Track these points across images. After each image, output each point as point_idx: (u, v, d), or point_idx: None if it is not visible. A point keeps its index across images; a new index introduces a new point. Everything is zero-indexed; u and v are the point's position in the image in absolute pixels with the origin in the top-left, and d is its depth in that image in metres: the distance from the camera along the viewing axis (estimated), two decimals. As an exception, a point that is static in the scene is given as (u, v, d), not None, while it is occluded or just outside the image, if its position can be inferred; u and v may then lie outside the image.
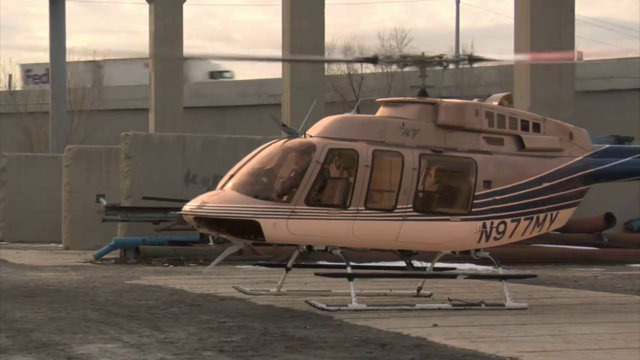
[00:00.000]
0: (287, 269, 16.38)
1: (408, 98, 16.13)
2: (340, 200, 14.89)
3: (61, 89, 54.63)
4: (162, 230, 25.28)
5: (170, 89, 41.88)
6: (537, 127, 16.27)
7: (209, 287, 17.81)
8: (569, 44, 33.80)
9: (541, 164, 16.08)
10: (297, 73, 36.31)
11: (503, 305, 15.45)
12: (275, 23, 39.88)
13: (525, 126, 16.10)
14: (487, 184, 15.54)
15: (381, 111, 15.93)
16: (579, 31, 35.72)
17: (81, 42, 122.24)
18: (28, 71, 67.53)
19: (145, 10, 45.90)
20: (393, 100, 16.28)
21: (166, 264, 24.04)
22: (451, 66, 16.14)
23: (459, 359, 9.93)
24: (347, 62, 14.68)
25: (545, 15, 32.72)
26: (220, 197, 14.71)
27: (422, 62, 16.06)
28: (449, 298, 16.34)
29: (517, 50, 33.95)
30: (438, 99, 15.92)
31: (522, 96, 32.18)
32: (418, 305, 15.63)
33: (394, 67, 16.22)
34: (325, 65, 41.50)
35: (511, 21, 35.06)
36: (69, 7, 58.53)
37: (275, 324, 12.64)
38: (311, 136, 15.04)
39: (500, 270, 15.90)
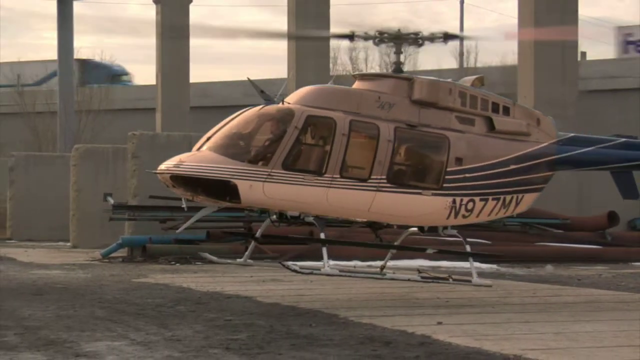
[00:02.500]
0: (256, 239, 16.36)
1: (384, 73, 16.18)
2: (317, 167, 14.87)
3: (69, 89, 54.73)
4: (168, 229, 25.29)
5: (177, 89, 41.97)
6: (507, 111, 16.33)
7: (215, 285, 17.83)
8: (572, 44, 33.80)
9: (509, 147, 16.13)
10: (303, 72, 36.33)
11: (470, 281, 15.79)
12: (281, 24, 39.87)
13: (495, 108, 16.18)
14: (459, 161, 15.58)
15: (357, 85, 15.95)
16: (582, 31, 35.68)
17: (88, 43, 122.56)
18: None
19: (152, 10, 45.95)
20: (369, 74, 16.38)
21: (173, 263, 24.05)
22: (427, 43, 16.17)
23: (463, 356, 9.92)
24: (324, 38, 14.67)
25: (548, 15, 32.70)
26: (198, 157, 14.62)
27: (399, 38, 16.06)
28: (418, 270, 16.48)
29: (521, 51, 33.94)
30: (413, 76, 16.01)
31: (526, 95, 32.14)
32: (388, 275, 15.91)
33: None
34: (330, 65, 41.47)
35: (515, 21, 35.05)
36: (75, 8, 58.61)
37: (280, 321, 12.64)
38: (289, 103, 15.07)
39: (468, 248, 16.16)
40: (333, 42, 40.70)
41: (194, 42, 43.75)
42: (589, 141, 17.20)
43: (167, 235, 25.45)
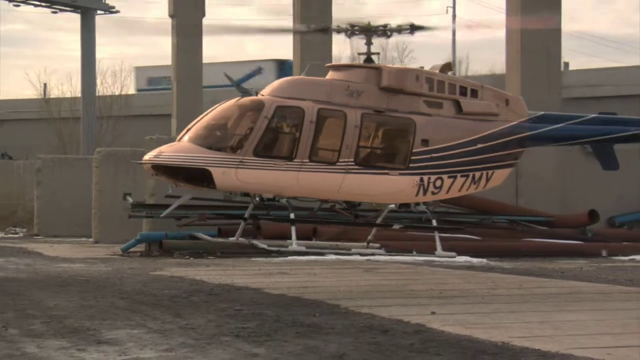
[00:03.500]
0: (244, 220, 16.34)
1: (354, 63, 16.23)
2: (286, 152, 14.97)
3: (91, 96, 54.77)
4: (183, 226, 25.31)
5: (191, 96, 41.94)
6: (475, 93, 16.36)
7: (226, 278, 17.82)
8: (556, 54, 33.79)
9: (477, 127, 16.13)
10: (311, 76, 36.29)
11: (434, 252, 15.95)
12: (287, 37, 39.81)
13: (463, 92, 16.21)
14: (425, 142, 15.60)
15: (330, 75, 16.00)
16: (565, 43, 35.68)
17: (108, 54, 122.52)
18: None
19: (167, 23, 45.97)
20: (341, 65, 16.40)
21: (187, 257, 24.07)
22: (395, 34, 16.24)
23: (455, 344, 9.92)
24: (301, 32, 14.70)
25: (534, 29, 32.69)
26: (176, 148, 14.91)
27: (369, 30, 16.08)
28: (381, 245, 16.54)
29: (509, 61, 33.91)
30: (381, 65, 16.01)
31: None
32: (354, 250, 16.10)
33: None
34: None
35: (502, 34, 35.04)
36: (97, 21, 58.70)
37: (286, 311, 12.64)
38: (262, 95, 15.15)
39: (434, 222, 16.26)
40: (335, 55, 40.43)
41: (206, 53, 43.69)
42: (560, 118, 17.30)
43: (181, 232, 25.49)
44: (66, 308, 13.03)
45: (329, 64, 16.16)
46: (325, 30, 16.51)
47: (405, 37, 16.16)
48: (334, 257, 23.85)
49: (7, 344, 9.84)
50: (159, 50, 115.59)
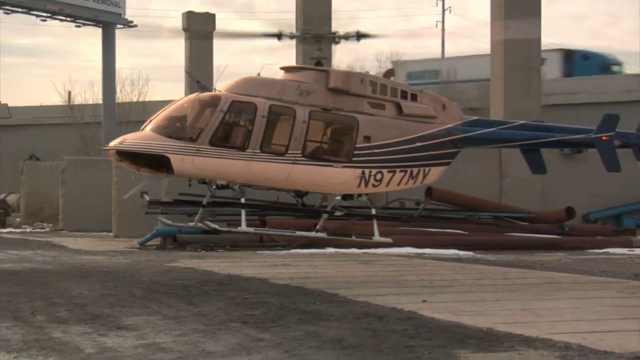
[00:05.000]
0: (203, 206, 16.28)
1: (305, 66, 16.33)
2: (239, 143, 15.04)
3: (111, 103, 54.75)
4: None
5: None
6: (414, 97, 16.47)
7: (235, 269, 17.81)
8: (536, 65, 33.80)
9: (416, 127, 16.25)
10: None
11: (371, 238, 16.04)
12: (293, 48, 39.95)
13: (404, 95, 16.32)
14: (367, 139, 15.70)
15: (283, 75, 16.09)
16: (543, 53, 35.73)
17: (126, 64, 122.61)
18: None
19: (181, 37, 46.03)
20: (293, 67, 16.48)
21: (199, 250, 24.04)
22: (343, 41, 16.38)
23: (445, 329, 9.91)
24: (256, 36, 14.67)
25: (517, 41, 32.72)
26: (138, 136, 15.00)
27: (319, 37, 16.24)
28: (325, 228, 16.69)
29: (493, 71, 33.91)
30: (330, 68, 16.08)
31: (497, 108, 32.17)
32: (298, 233, 16.57)
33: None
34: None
35: (487, 46, 35.07)
36: (117, 34, 58.73)
37: (290, 300, 12.63)
38: (220, 91, 15.30)
39: (374, 211, 16.49)
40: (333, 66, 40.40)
41: (217, 62, 43.77)
42: (491, 123, 17.49)
43: (194, 227, 25.42)
44: (88, 296, 13.03)
45: (282, 66, 16.33)
46: (279, 36, 16.57)
47: (352, 44, 16.19)
48: (333, 250, 23.84)
49: (35, 329, 9.83)
50: (172, 61, 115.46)
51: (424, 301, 12.47)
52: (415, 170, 16.23)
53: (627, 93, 47.39)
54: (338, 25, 40.27)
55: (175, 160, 14.64)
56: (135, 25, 60.78)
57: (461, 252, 23.99)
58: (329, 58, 16.11)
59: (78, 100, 61.98)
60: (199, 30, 43.97)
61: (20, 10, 59.44)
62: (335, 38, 16.28)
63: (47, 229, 38.27)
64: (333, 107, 15.63)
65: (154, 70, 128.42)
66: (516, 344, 8.91)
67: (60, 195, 37.57)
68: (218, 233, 15.75)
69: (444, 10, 68.56)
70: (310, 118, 15.36)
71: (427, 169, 16.36)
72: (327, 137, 15.94)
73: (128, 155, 14.86)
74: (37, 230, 38.16)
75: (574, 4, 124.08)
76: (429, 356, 8.26)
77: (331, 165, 15.51)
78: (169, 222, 17.78)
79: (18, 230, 37.63)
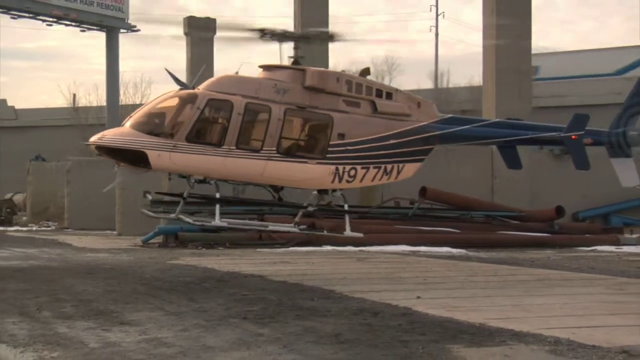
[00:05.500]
0: (184, 199, 16.26)
1: (283, 64, 16.34)
2: (215, 140, 15.04)
3: (115, 105, 54.74)
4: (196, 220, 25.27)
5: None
6: (389, 96, 16.44)
7: (234, 266, 17.80)
8: (527, 69, 33.82)
9: (390, 125, 16.22)
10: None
11: (342, 233, 16.07)
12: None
13: (379, 94, 16.29)
14: (341, 136, 15.68)
15: (261, 74, 16.05)
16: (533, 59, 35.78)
17: (129, 67, 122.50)
18: None
19: (182, 41, 45.99)
20: (271, 65, 16.47)
21: (200, 248, 24.05)
22: (317, 41, 16.43)
23: (438, 324, 9.90)
24: (236, 29, 14.66)
25: (508, 45, 32.74)
26: (117, 132, 15.11)
27: (296, 37, 16.23)
28: (296, 222, 16.75)
29: (485, 74, 33.92)
30: (306, 67, 16.04)
31: (489, 110, 32.18)
32: (270, 227, 16.64)
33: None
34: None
35: (479, 50, 35.08)
36: (120, 38, 58.70)
37: (288, 296, 12.62)
38: (198, 89, 15.25)
39: (346, 207, 16.41)
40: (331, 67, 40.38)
41: (217, 67, 43.71)
42: (465, 121, 17.50)
43: (195, 225, 25.42)
44: (93, 293, 13.01)
45: (260, 64, 16.34)
46: (262, 36, 16.61)
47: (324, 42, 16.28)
48: (330, 248, 23.85)
49: (41, 325, 9.83)
50: (174, 64, 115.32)
51: (418, 297, 12.46)
52: (389, 166, 16.22)
53: (617, 95, 47.36)
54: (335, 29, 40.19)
55: (152, 155, 14.68)
56: (138, 30, 60.78)
57: (454, 250, 24.01)
58: (305, 57, 16.15)
59: (83, 102, 61.97)
60: (200, 35, 43.92)
61: (27, 15, 59.41)
62: (310, 38, 16.31)
63: (53, 228, 38.26)
64: (309, 105, 15.60)
65: (157, 73, 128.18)
66: (507, 339, 8.91)
67: (66, 195, 37.57)
68: (194, 224, 15.91)
69: (437, 16, 68.46)
70: (286, 115, 15.34)
71: (401, 165, 16.36)
72: (301, 134, 15.91)
73: (107, 150, 14.94)
74: (43, 228, 38.15)
75: (561, 10, 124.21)
76: (423, 351, 8.26)
77: (305, 162, 15.50)
78: (151, 213, 17.73)
79: (24, 229, 37.62)
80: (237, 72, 16.04)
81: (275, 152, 15.20)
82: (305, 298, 12.40)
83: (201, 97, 15.03)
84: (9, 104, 65.77)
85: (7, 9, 58.39)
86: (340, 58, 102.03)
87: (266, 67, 16.18)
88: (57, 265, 18.30)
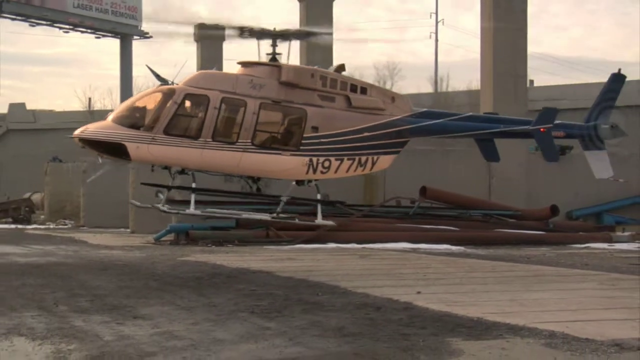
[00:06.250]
0: (168, 189, 16.45)
1: (260, 61, 16.45)
2: (192, 132, 15.17)
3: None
4: (206, 219, 25.28)
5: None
6: (364, 91, 16.47)
7: (243, 263, 17.79)
8: (523, 73, 33.76)
9: (364, 118, 16.25)
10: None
11: (314, 221, 16.20)
12: (296, 59, 39.81)
13: (353, 89, 16.36)
14: (315, 129, 15.74)
15: (239, 70, 16.11)
16: (530, 63, 35.72)
17: (142, 72, 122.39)
18: None
19: (193, 47, 46.05)
20: (248, 62, 16.59)
21: (210, 245, 24.04)
22: (294, 38, 16.46)
23: (438, 319, 9.89)
24: (220, 28, 14.76)
25: (504, 50, 32.70)
26: (99, 125, 15.26)
27: (273, 35, 16.21)
28: (270, 212, 16.85)
29: (483, 79, 33.88)
30: (282, 63, 16.08)
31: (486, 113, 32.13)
32: (244, 216, 16.66)
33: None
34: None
35: (477, 55, 35.03)
36: (134, 45, 58.71)
37: (294, 291, 12.61)
38: (177, 84, 15.36)
39: (319, 196, 16.41)
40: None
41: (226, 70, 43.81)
42: (439, 115, 17.52)
43: (205, 224, 25.46)
44: (107, 288, 13.01)
45: (239, 61, 16.45)
46: (241, 33, 16.70)
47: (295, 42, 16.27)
48: (334, 245, 23.84)
49: (58, 319, 9.83)
50: (185, 69, 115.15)
51: (419, 292, 12.44)
52: (363, 158, 16.28)
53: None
54: (338, 36, 40.18)
55: (131, 147, 14.86)
56: (151, 37, 60.82)
57: (453, 247, 23.98)
58: (282, 54, 16.29)
59: (98, 106, 61.99)
60: (210, 40, 43.94)
61: (44, 22, 59.52)
62: (287, 36, 16.39)
63: (69, 226, 38.30)
64: (284, 100, 15.67)
65: (168, 77, 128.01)
66: (504, 332, 8.89)
67: (81, 194, 37.60)
68: (169, 213, 16.19)
69: (437, 23, 68.34)
70: (261, 109, 15.42)
71: (375, 157, 16.42)
72: (276, 127, 15.98)
73: (89, 143, 15.12)
74: (60, 226, 38.19)
75: (556, 16, 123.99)
76: (423, 344, 8.24)
77: (279, 154, 15.56)
78: (138, 203, 17.99)
79: (42, 227, 37.66)
80: (214, 69, 16.26)
81: (250, 144, 15.30)
82: (310, 293, 12.39)
83: (179, 92, 15.17)
84: (28, 107, 65.86)
85: (26, 17, 58.50)
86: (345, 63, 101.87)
87: (244, 64, 16.34)
88: (73, 261, 18.31)
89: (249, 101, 15.30)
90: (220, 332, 8.86)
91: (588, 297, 12.18)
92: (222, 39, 43.50)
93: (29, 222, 40.48)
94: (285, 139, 15.81)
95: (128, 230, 31.90)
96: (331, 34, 19.69)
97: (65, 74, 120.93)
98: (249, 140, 15.26)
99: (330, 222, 16.96)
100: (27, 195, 45.63)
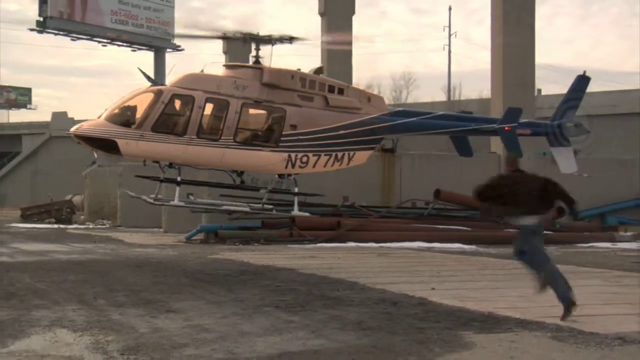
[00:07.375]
0: (161, 181, 16.71)
1: (244, 64, 16.71)
2: (178, 130, 15.37)
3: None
4: (233, 219, 25.36)
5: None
6: (341, 91, 16.57)
7: (268, 260, 17.80)
8: (531, 82, 33.61)
9: (341, 117, 16.39)
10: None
11: (290, 212, 16.57)
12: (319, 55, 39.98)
13: (331, 89, 16.60)
14: (293, 127, 15.91)
15: (224, 72, 16.26)
16: (538, 73, 35.56)
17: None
18: None
19: (221, 58, 46.18)
20: (233, 65, 16.85)
21: (237, 244, 24.07)
22: (277, 43, 16.57)
23: (451, 313, 9.86)
24: (204, 38, 14.88)
25: (513, 61, 32.56)
26: (92, 123, 15.58)
27: (257, 39, 16.32)
28: (248, 204, 17.08)
29: (493, 89, 33.73)
30: (264, 66, 16.18)
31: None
32: (224, 207, 16.89)
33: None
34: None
35: (488, 66, 34.90)
36: (167, 58, 58.97)
37: (316, 287, 12.61)
38: (165, 85, 15.62)
39: (296, 189, 16.66)
40: (355, 82, 40.28)
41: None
42: (413, 114, 17.61)
43: (233, 224, 25.52)
44: (142, 284, 13.07)
45: (225, 64, 16.79)
46: (224, 38, 16.89)
47: (286, 45, 16.38)
48: (353, 244, 23.80)
49: (97, 312, 9.89)
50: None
51: (433, 289, 12.41)
52: (340, 154, 16.50)
53: (612, 107, 47.04)
54: (355, 47, 40.17)
55: (121, 143, 15.15)
56: (183, 50, 61.18)
57: (465, 246, 23.87)
58: (265, 57, 16.52)
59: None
60: (237, 52, 44.11)
61: (85, 37, 59.98)
62: (271, 40, 16.53)
63: (107, 226, 38.51)
64: (265, 100, 15.81)
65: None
66: (513, 326, 8.85)
67: (118, 196, 37.78)
68: (153, 204, 16.53)
69: (450, 35, 68.18)
70: (242, 108, 15.55)
71: (351, 153, 16.61)
72: (257, 125, 16.11)
73: (83, 139, 15.42)
74: (98, 226, 38.41)
75: (562, 28, 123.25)
76: (438, 337, 8.22)
77: (260, 150, 15.72)
78: (132, 194, 18.14)
79: (82, 227, 37.90)
80: (202, 71, 16.45)
81: (232, 141, 15.46)
82: (331, 289, 12.38)
83: (166, 92, 15.38)
84: (69, 116, 66.37)
85: (68, 32, 58.98)
86: (363, 74, 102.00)
87: (229, 66, 16.61)
88: (111, 259, 18.42)
89: (231, 101, 15.55)
90: (246, 325, 8.87)
91: (593, 293, 12.09)
92: (249, 51, 43.70)
93: (70, 222, 40.76)
94: (266, 136, 16.00)
95: (161, 229, 32.02)
96: (311, 40, 19.88)
97: (103, 84, 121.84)
98: (231, 137, 15.47)
99: (305, 214, 17.39)
100: (68, 197, 45.96)
